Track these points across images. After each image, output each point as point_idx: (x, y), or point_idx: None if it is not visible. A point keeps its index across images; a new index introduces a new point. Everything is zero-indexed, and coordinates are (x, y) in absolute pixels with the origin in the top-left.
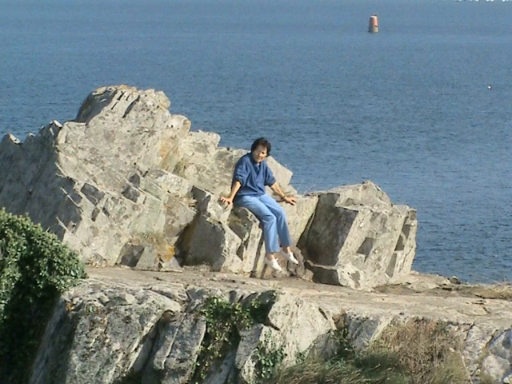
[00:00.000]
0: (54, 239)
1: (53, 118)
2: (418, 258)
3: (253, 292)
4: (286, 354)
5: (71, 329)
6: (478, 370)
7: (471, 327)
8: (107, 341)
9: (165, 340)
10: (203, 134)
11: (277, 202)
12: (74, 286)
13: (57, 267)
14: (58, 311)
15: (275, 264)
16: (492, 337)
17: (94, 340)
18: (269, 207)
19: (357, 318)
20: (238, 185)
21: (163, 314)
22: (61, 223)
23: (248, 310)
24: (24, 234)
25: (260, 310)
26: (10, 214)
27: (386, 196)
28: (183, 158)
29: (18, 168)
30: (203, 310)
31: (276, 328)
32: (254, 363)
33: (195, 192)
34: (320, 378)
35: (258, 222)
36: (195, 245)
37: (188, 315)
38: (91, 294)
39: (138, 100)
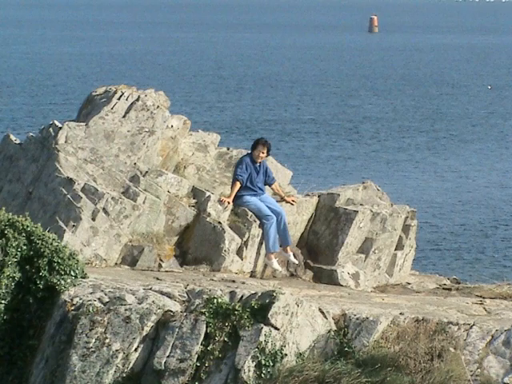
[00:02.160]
0: (54, 239)
1: (53, 118)
2: (418, 258)
3: (253, 292)
4: (286, 354)
5: (71, 329)
6: (478, 369)
7: (471, 327)
8: (107, 341)
9: (165, 340)
10: (203, 134)
11: (277, 201)
12: (74, 285)
13: (57, 267)
14: (58, 311)
15: (275, 264)
16: (492, 337)
17: (93, 340)
18: (269, 207)
19: (357, 318)
20: (238, 185)
21: (163, 314)
22: (61, 223)
23: (248, 309)
24: (24, 234)
25: (260, 310)
26: (10, 213)
27: (385, 196)
28: (183, 158)
29: (18, 168)
30: (203, 310)
31: (276, 328)
32: (254, 363)
33: (195, 192)
34: (320, 378)
35: (257, 221)
36: (195, 245)
37: (188, 315)
38: (91, 293)
39: (137, 100)
